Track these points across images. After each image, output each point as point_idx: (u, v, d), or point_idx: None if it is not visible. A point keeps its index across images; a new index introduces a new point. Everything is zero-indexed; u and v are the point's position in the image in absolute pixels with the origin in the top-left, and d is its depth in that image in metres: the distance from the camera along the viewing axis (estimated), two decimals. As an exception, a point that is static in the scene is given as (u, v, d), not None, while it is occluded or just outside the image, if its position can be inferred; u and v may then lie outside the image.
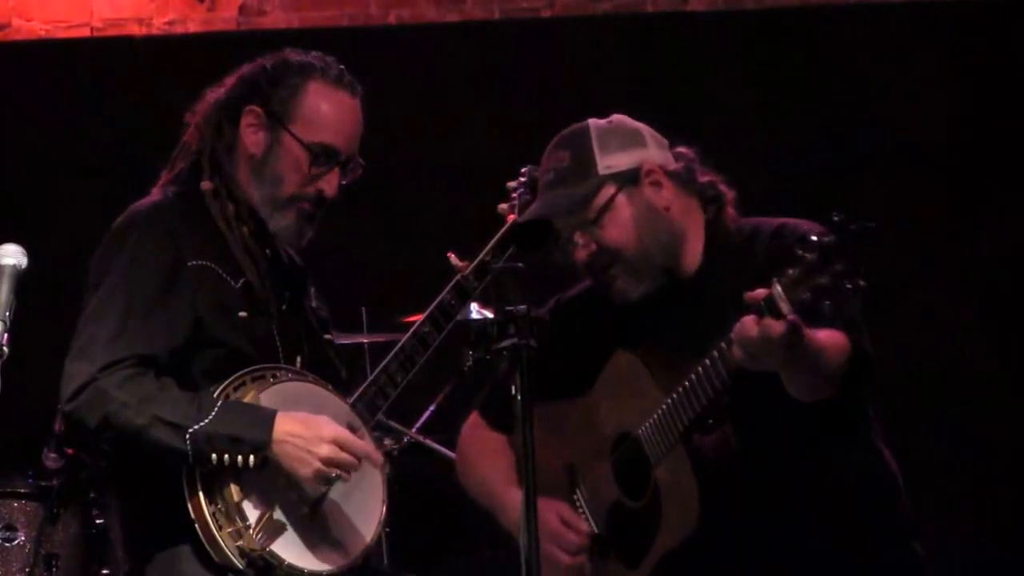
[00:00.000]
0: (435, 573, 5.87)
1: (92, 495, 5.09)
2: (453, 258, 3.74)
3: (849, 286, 3.07)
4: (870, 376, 3.45)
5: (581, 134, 3.63)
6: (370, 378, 3.58)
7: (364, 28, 6.40)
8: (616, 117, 3.69)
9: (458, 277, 3.70)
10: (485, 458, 3.85)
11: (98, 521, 5.10)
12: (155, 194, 3.58)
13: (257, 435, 3.35)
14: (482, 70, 6.28)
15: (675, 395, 3.45)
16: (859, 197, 5.80)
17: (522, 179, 3.83)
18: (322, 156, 3.55)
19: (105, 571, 5.02)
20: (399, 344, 3.61)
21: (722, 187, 3.67)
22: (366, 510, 3.51)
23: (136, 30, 6.47)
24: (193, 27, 6.48)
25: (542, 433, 3.65)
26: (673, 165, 3.63)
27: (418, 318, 3.69)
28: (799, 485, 3.51)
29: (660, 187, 3.59)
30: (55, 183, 6.16)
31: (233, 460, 3.33)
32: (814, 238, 3.09)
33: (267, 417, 3.37)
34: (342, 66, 3.61)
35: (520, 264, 3.90)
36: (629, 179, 3.58)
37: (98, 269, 3.47)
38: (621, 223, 3.57)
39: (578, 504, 3.73)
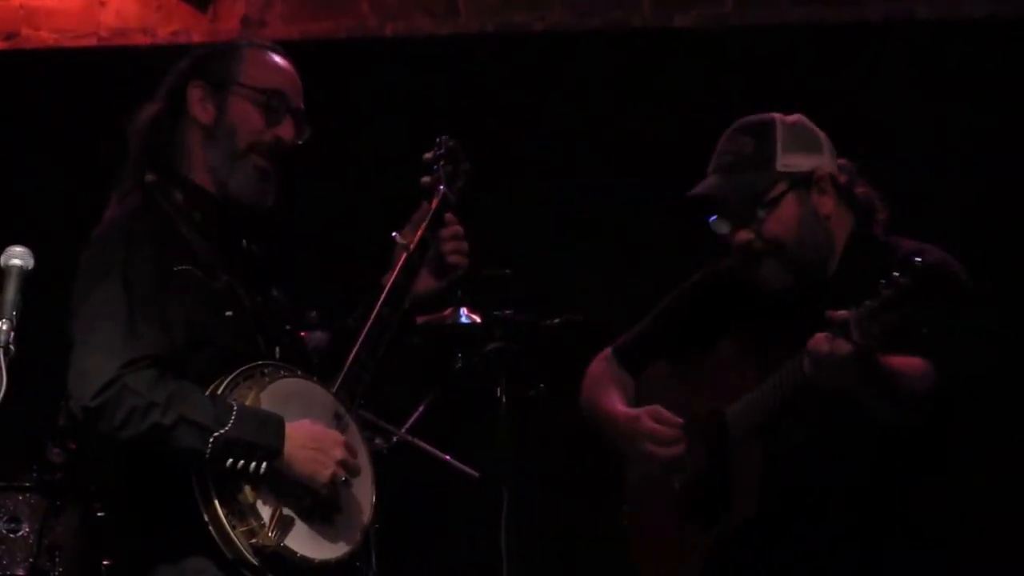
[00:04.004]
0: (422, 572, 5.86)
1: (93, 488, 5.10)
2: (398, 237, 3.82)
3: (921, 328, 3.25)
4: (963, 402, 3.59)
5: (768, 126, 3.75)
6: (345, 367, 3.63)
7: (361, 39, 6.45)
8: (799, 118, 3.80)
9: (405, 254, 3.76)
10: (607, 387, 4.00)
11: (99, 514, 5.13)
12: (121, 205, 3.62)
13: (271, 443, 3.41)
14: (475, 81, 6.32)
15: (763, 387, 3.60)
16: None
17: (439, 151, 3.90)
18: (273, 100, 3.63)
19: (106, 562, 5.03)
20: (363, 331, 3.66)
21: (877, 202, 3.80)
22: (361, 493, 3.57)
23: (141, 39, 6.52)
24: (197, 37, 6.50)
25: (665, 382, 3.91)
26: (840, 176, 3.76)
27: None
28: (859, 501, 3.62)
29: (826, 194, 3.72)
30: (60, 188, 6.17)
31: (246, 466, 3.38)
32: (895, 276, 3.24)
33: (277, 424, 3.44)
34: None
35: (508, 271, 4.06)
36: (802, 181, 3.71)
37: (91, 271, 3.51)
38: (785, 220, 3.69)
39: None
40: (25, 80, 6.42)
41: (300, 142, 3.68)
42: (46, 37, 6.58)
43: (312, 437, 3.46)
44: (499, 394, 4.95)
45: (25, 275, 3.03)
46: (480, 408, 4.88)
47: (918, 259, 3.26)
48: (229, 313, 3.53)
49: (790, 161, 3.71)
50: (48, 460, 5.16)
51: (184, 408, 3.37)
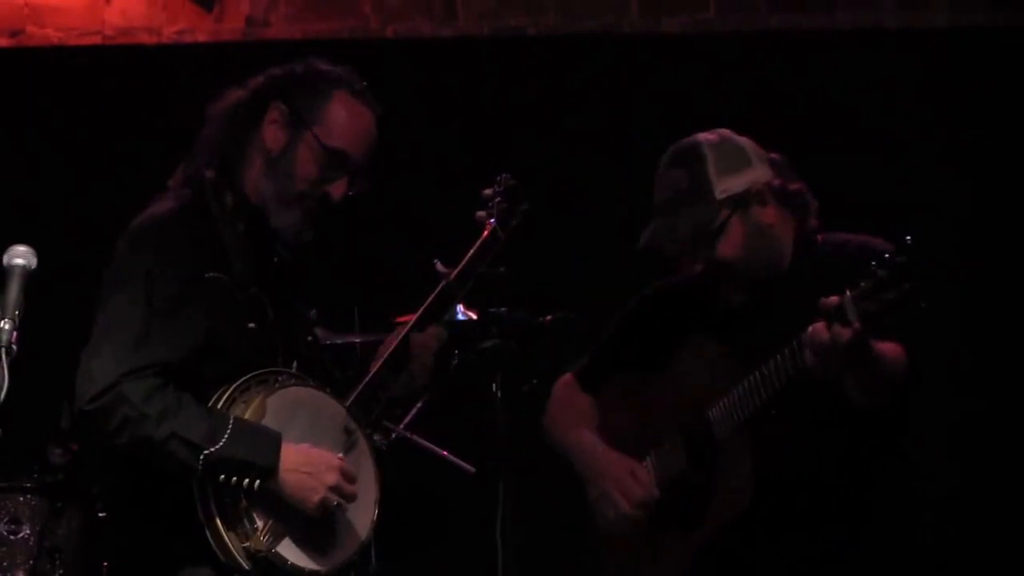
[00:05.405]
0: (422, 569, 5.91)
1: (95, 490, 5.10)
2: (439, 265, 3.82)
3: (913, 305, 3.30)
4: (916, 389, 3.66)
5: (696, 154, 3.76)
6: (363, 382, 3.67)
7: (363, 41, 6.48)
8: (724, 133, 3.82)
9: (443, 283, 3.78)
10: (571, 417, 4.10)
11: (100, 515, 5.12)
12: (170, 198, 3.61)
13: (264, 462, 3.42)
14: (471, 83, 6.38)
15: (746, 383, 3.65)
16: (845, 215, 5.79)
17: (498, 187, 3.92)
18: (336, 161, 3.62)
19: (106, 564, 5.01)
20: (389, 350, 3.70)
21: (809, 196, 3.85)
22: (361, 508, 3.59)
23: (146, 39, 6.55)
24: (201, 37, 6.55)
25: (621, 400, 3.96)
26: (774, 179, 3.78)
27: (409, 319, 3.78)
28: (842, 483, 3.71)
29: (766, 205, 3.76)
30: (63, 187, 6.22)
31: (239, 482, 3.41)
32: (887, 256, 3.30)
33: (273, 442, 3.44)
34: (365, 83, 3.71)
35: (503, 268, 4.11)
36: (741, 201, 3.74)
37: (119, 269, 3.51)
38: (733, 243, 3.74)
39: (647, 470, 3.93)
40: (29, 78, 6.43)
41: (351, 193, 3.68)
42: (51, 35, 6.58)
43: (306, 461, 3.46)
44: (495, 390, 4.99)
45: (28, 274, 3.03)
46: (476, 404, 4.92)
47: (910, 239, 3.32)
48: (252, 325, 3.54)
49: (726, 186, 3.74)
50: (49, 461, 5.14)
51: (176, 424, 3.38)
